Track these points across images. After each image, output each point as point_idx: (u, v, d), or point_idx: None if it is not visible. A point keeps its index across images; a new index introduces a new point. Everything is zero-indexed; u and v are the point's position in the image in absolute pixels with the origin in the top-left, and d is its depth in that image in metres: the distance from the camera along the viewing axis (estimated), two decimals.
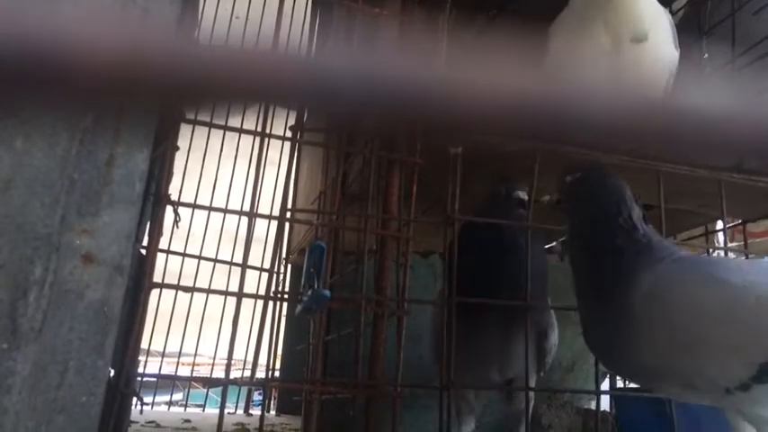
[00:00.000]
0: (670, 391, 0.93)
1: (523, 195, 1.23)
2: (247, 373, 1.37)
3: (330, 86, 0.17)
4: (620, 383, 1.98)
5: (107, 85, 0.15)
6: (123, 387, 0.98)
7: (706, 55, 1.37)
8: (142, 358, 1.46)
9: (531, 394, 1.17)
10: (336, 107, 0.18)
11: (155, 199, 1.07)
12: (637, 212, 0.91)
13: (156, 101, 0.17)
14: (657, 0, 1.03)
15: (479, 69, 0.17)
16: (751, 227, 1.61)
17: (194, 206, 1.33)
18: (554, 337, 1.26)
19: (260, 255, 1.53)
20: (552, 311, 1.26)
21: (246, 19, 1.69)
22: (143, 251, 1.08)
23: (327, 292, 1.09)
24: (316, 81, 0.17)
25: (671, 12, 1.54)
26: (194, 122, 1.08)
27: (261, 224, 1.21)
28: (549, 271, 1.34)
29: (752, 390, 0.81)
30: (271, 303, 1.14)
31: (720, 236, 1.62)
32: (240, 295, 1.05)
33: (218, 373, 2.27)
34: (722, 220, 1.26)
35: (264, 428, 1.14)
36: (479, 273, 1.15)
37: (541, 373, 1.26)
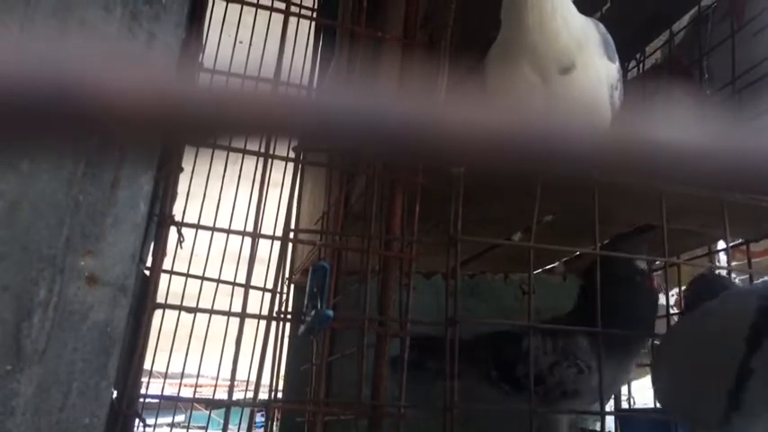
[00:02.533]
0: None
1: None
2: (250, 395, 1.36)
3: (329, 125, 0.17)
4: (624, 405, 1.96)
5: (111, 123, 0.16)
6: (126, 409, 0.98)
7: (706, 76, 1.38)
8: (145, 379, 1.46)
9: None
10: (336, 144, 0.18)
11: (159, 220, 1.07)
12: None
13: (158, 138, 0.17)
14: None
15: (476, 104, 0.18)
16: (752, 246, 1.61)
17: (198, 227, 1.33)
18: None
19: (263, 275, 1.53)
20: None
21: (250, 44, 1.70)
22: (146, 272, 1.08)
23: (330, 313, 1.09)
24: (315, 120, 0.17)
25: (671, 32, 1.56)
26: (198, 144, 1.09)
27: (264, 244, 1.21)
28: (553, 290, 1.35)
29: (734, 421, 0.81)
30: (274, 324, 1.14)
31: (722, 256, 1.61)
32: (243, 316, 1.05)
33: (221, 394, 2.26)
34: (725, 240, 1.26)
35: None
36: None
37: None
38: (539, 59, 0.93)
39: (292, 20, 1.20)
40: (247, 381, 1.88)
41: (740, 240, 1.52)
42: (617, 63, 1.01)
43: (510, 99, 0.93)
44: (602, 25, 1.03)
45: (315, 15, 1.80)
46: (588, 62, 0.97)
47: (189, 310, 1.23)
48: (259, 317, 1.14)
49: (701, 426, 0.91)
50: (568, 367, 1.31)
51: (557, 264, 1.88)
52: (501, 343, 1.34)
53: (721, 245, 1.52)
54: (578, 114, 0.19)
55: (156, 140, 0.18)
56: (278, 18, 1.20)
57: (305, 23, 1.64)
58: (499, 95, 0.96)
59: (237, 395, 1.62)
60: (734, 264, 1.37)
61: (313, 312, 1.08)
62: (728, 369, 0.79)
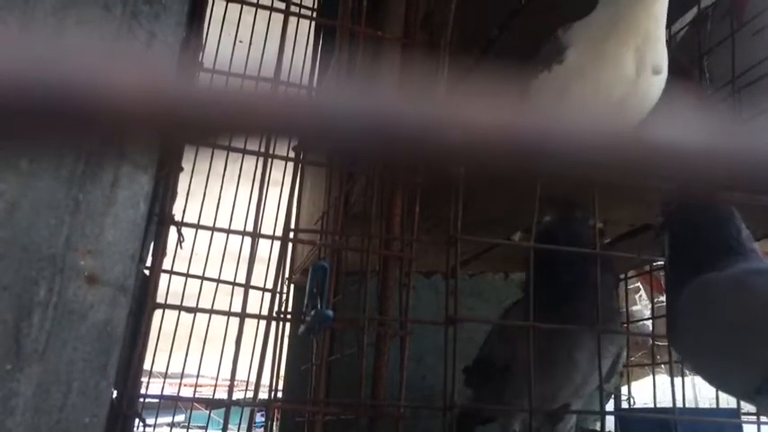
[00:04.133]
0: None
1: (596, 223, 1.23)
2: (250, 394, 1.36)
3: (329, 127, 0.17)
4: (624, 404, 1.96)
5: (110, 122, 0.16)
6: (126, 408, 0.98)
7: (707, 75, 1.38)
8: (144, 379, 1.46)
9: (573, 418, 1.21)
10: (335, 146, 0.18)
11: (158, 219, 1.07)
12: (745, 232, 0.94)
13: (157, 138, 0.17)
14: None
15: (476, 105, 0.18)
16: (760, 245, 1.61)
17: (198, 226, 1.33)
18: (624, 355, 1.28)
19: (263, 275, 1.53)
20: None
21: (250, 43, 1.70)
22: (146, 271, 1.08)
23: (330, 313, 1.09)
24: (315, 121, 0.17)
25: (670, 33, 1.56)
26: (198, 144, 1.09)
27: (264, 244, 1.21)
28: None
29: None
30: (273, 324, 1.14)
31: None
32: (243, 315, 1.05)
33: (221, 394, 2.26)
34: None
35: None
36: (552, 291, 1.15)
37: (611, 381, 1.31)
38: (644, 53, 0.91)
39: (292, 19, 1.20)
40: (247, 380, 1.88)
41: None
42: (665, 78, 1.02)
43: (594, 82, 0.91)
44: None
45: (315, 15, 1.80)
46: (665, 72, 0.97)
47: (189, 309, 1.23)
48: (259, 317, 1.14)
49: (731, 391, 0.91)
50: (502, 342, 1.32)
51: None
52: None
53: None
54: (646, 116, 0.19)
55: (156, 140, 0.18)
56: (278, 17, 1.20)
57: (305, 23, 1.65)
58: (582, 78, 0.92)
59: (237, 395, 1.62)
60: None
61: (313, 312, 1.08)
62: None
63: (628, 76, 0.91)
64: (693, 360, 0.94)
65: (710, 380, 0.94)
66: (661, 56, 0.93)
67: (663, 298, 1.59)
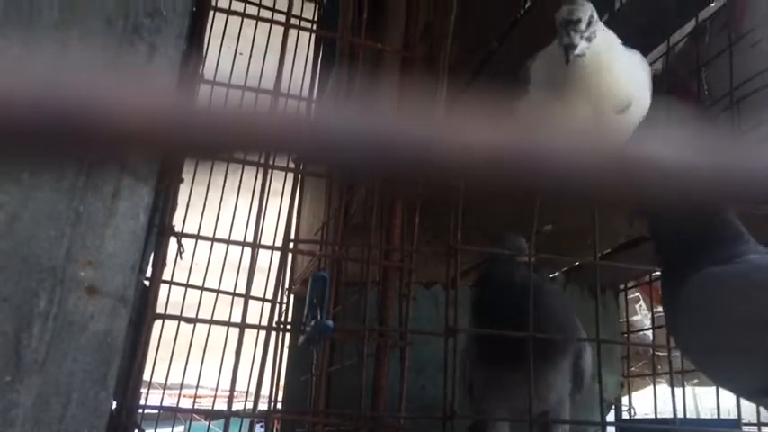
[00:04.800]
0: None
1: (524, 258, 1.24)
2: (250, 405, 1.36)
3: (328, 144, 0.17)
4: (625, 415, 1.96)
5: (111, 138, 0.16)
6: (125, 419, 0.98)
7: (705, 87, 1.39)
8: (144, 390, 1.46)
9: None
10: (335, 162, 0.19)
11: (159, 230, 1.08)
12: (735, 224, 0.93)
13: (159, 153, 0.18)
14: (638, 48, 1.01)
15: (474, 121, 0.18)
16: None
17: (197, 237, 1.33)
18: (588, 356, 1.27)
19: (263, 285, 1.53)
20: (584, 333, 1.28)
21: (250, 56, 1.71)
22: (146, 282, 1.08)
23: (330, 323, 1.09)
24: (315, 139, 0.17)
25: (668, 45, 1.56)
26: (197, 159, 1.10)
27: (264, 255, 1.22)
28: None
29: None
30: (273, 334, 1.14)
31: None
32: (243, 326, 1.05)
33: (221, 404, 2.26)
34: None
35: None
36: (501, 320, 1.16)
37: (580, 393, 1.29)
38: (599, 95, 0.92)
39: (292, 32, 1.20)
40: (247, 391, 1.87)
41: None
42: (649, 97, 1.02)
43: (553, 118, 0.92)
44: (644, 60, 1.03)
45: (315, 27, 1.81)
46: (641, 102, 0.97)
47: (188, 320, 1.23)
48: (259, 327, 1.14)
49: (736, 389, 0.89)
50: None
51: (556, 273, 1.88)
52: None
53: None
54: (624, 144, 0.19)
55: (157, 155, 0.18)
56: (278, 30, 1.21)
57: (305, 35, 1.65)
58: (543, 112, 0.93)
59: (237, 406, 1.62)
60: None
61: (313, 322, 1.08)
62: None
63: (583, 117, 0.92)
64: (697, 356, 0.92)
65: (714, 377, 0.93)
66: (625, 94, 0.93)
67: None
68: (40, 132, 0.17)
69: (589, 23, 0.89)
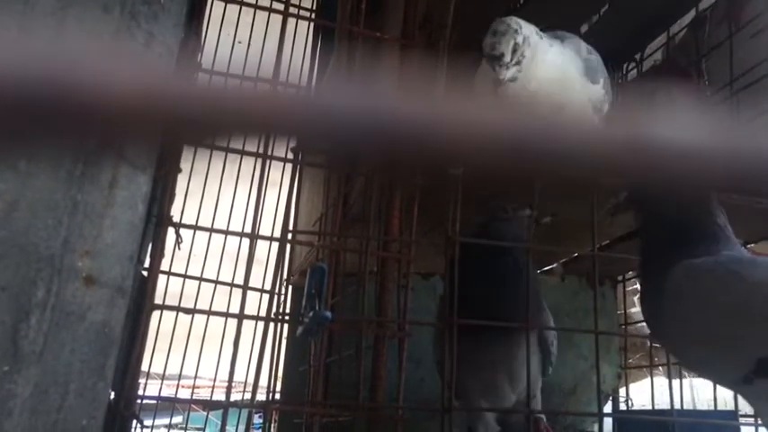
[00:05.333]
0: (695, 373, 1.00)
1: (527, 213, 1.24)
2: (248, 396, 1.36)
3: (328, 126, 0.17)
4: (622, 406, 1.96)
5: (109, 122, 0.16)
6: (123, 410, 0.98)
7: (705, 77, 1.38)
8: (142, 380, 1.46)
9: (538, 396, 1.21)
10: (333, 145, 0.18)
11: (157, 220, 1.07)
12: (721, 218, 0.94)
13: (158, 135, 0.17)
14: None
15: (474, 105, 0.18)
16: (759, 248, 1.61)
17: (196, 227, 1.33)
18: (552, 335, 1.27)
19: (261, 276, 1.53)
20: (549, 313, 1.28)
21: (249, 44, 1.70)
22: (145, 272, 1.08)
23: (329, 314, 1.09)
24: (314, 120, 0.17)
25: (668, 35, 1.56)
26: (196, 145, 1.09)
27: (262, 245, 1.21)
28: (551, 291, 1.34)
29: (755, 383, 0.82)
30: (272, 325, 1.14)
31: None
32: (241, 317, 1.05)
33: (219, 395, 2.26)
34: None
35: None
36: (479, 288, 1.15)
37: (549, 372, 1.28)
38: (487, 69, 0.93)
39: (291, 20, 1.20)
40: (245, 382, 1.88)
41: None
42: (601, 81, 1.01)
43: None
44: (584, 45, 1.02)
45: (313, 16, 1.80)
46: (573, 96, 0.98)
47: (187, 311, 1.22)
48: (257, 318, 1.13)
49: (718, 378, 0.91)
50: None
51: (555, 265, 1.88)
52: None
53: None
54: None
55: (155, 140, 0.18)
56: (277, 18, 1.20)
57: (304, 23, 1.64)
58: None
59: (235, 396, 1.62)
60: None
61: (311, 313, 1.08)
62: (764, 336, 0.79)
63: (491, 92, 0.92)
64: (678, 345, 0.93)
65: (694, 366, 0.94)
66: (553, 103, 0.95)
67: None
68: (37, 114, 0.16)
69: (514, 50, 0.89)
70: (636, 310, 2.25)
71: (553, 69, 0.95)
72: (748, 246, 1.53)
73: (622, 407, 1.94)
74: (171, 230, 1.12)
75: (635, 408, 2.03)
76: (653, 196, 0.94)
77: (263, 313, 1.15)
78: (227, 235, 1.39)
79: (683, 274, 0.89)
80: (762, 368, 0.80)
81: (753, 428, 1.41)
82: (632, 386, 2.10)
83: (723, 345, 0.84)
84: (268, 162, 1.11)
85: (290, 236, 1.16)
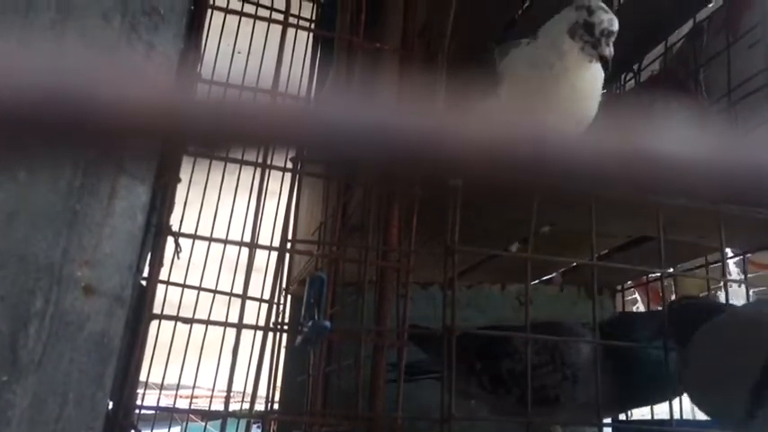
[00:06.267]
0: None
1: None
2: (246, 406, 1.36)
3: (327, 136, 0.17)
4: (622, 416, 1.96)
5: (109, 133, 0.16)
6: (122, 420, 0.97)
7: (703, 88, 1.39)
8: (141, 390, 1.45)
9: None
10: (333, 156, 0.18)
11: (156, 230, 1.07)
12: None
13: (158, 146, 0.17)
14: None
15: (474, 116, 0.18)
16: (758, 258, 1.61)
17: (195, 237, 1.33)
18: None
19: (260, 285, 1.53)
20: None
21: (248, 54, 1.71)
22: (143, 282, 1.08)
23: (328, 324, 1.09)
24: (313, 131, 0.17)
25: (666, 45, 1.56)
26: (196, 155, 1.09)
27: (261, 255, 1.21)
28: (550, 301, 1.34)
29: (757, 417, 0.83)
30: (270, 334, 1.13)
31: (731, 266, 1.61)
32: (240, 326, 1.04)
33: (217, 405, 2.25)
34: (721, 252, 1.26)
35: None
36: None
37: None
38: (571, 112, 0.93)
39: (290, 30, 1.20)
40: (244, 392, 1.87)
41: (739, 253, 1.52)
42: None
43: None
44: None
45: (313, 26, 1.81)
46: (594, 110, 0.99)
47: (185, 320, 1.22)
48: (256, 327, 1.13)
49: (729, 423, 0.97)
50: (553, 371, 1.27)
51: (554, 275, 1.88)
52: (490, 337, 1.32)
53: (719, 255, 1.53)
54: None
55: (155, 151, 0.18)
56: (276, 28, 1.21)
57: (303, 34, 1.65)
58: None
59: (234, 406, 1.61)
60: (749, 276, 1.37)
61: (310, 323, 1.07)
62: (754, 368, 0.83)
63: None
64: (700, 396, 1.03)
65: (715, 414, 1.02)
66: (593, 110, 0.95)
67: (660, 308, 1.59)
68: (37, 125, 0.16)
69: None
70: None
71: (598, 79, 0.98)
72: (747, 255, 1.53)
73: (621, 417, 1.93)
74: (170, 240, 1.12)
75: (634, 418, 2.02)
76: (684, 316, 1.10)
77: (261, 323, 1.14)
78: (227, 244, 1.39)
79: (699, 340, 1.01)
80: (755, 398, 0.83)
81: None
82: None
83: (727, 384, 0.90)
84: (267, 171, 1.11)
85: (289, 245, 1.16)
